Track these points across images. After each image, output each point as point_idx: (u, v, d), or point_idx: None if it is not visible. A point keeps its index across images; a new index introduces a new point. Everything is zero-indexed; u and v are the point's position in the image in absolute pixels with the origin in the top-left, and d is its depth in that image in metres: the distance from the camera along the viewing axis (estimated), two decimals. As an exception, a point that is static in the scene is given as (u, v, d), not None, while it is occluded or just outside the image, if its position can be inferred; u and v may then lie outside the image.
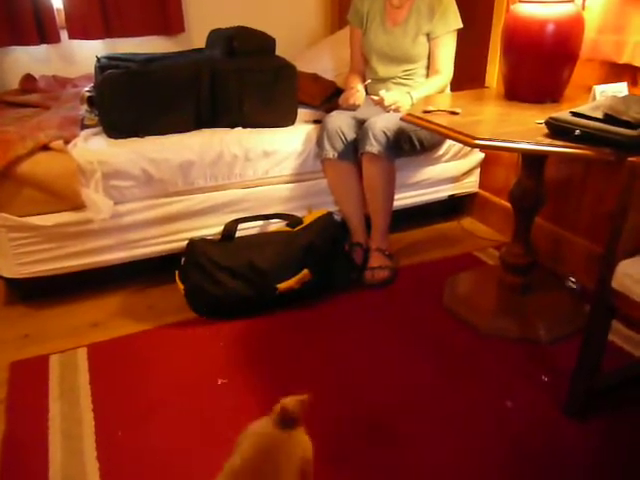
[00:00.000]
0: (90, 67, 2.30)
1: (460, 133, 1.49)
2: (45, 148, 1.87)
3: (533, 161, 1.75)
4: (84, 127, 2.10)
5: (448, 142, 2.37)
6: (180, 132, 2.09)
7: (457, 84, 2.28)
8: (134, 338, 1.81)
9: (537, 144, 1.40)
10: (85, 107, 2.14)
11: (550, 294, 1.96)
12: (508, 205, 1.91)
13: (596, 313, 1.37)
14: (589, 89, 1.67)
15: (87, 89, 2.19)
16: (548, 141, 1.41)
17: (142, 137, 2.03)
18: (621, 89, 1.66)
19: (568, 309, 1.90)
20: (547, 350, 1.72)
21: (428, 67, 2.22)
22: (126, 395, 1.57)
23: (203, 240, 1.99)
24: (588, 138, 1.37)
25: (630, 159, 1.23)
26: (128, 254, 2.02)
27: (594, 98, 1.62)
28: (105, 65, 2.15)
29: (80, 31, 2.57)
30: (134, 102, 2.02)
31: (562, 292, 2.00)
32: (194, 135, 2.10)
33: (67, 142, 1.93)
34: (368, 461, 1.35)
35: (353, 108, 2.19)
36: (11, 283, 2.01)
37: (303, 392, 1.06)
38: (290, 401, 1.03)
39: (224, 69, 2.12)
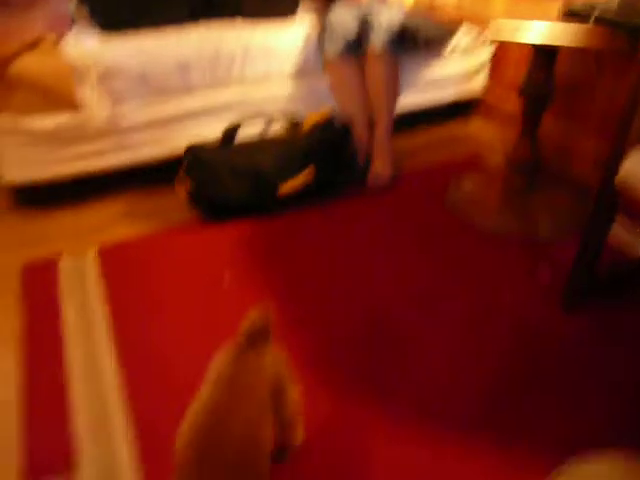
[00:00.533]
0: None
1: (472, 14, 1.41)
2: (34, 46, 1.79)
3: (545, 51, 1.67)
4: (73, 23, 2.00)
5: (455, 39, 2.27)
6: (175, 24, 1.99)
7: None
8: (139, 241, 1.83)
9: (552, 25, 1.33)
10: (74, 1, 2.03)
11: (554, 194, 1.96)
12: (516, 105, 1.86)
13: (599, 206, 1.37)
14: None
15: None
16: (562, 26, 1.34)
17: (136, 31, 1.94)
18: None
19: (571, 208, 1.90)
20: (548, 248, 1.74)
21: None
22: (134, 293, 1.61)
23: (204, 143, 1.96)
24: (604, 23, 1.31)
25: (647, 45, 1.17)
26: (128, 158, 1.99)
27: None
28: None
29: None
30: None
31: (566, 192, 1.99)
32: (190, 31, 2.00)
33: (57, 40, 1.84)
34: (369, 362, 1.38)
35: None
36: (14, 188, 2.00)
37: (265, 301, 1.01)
38: (255, 316, 0.96)
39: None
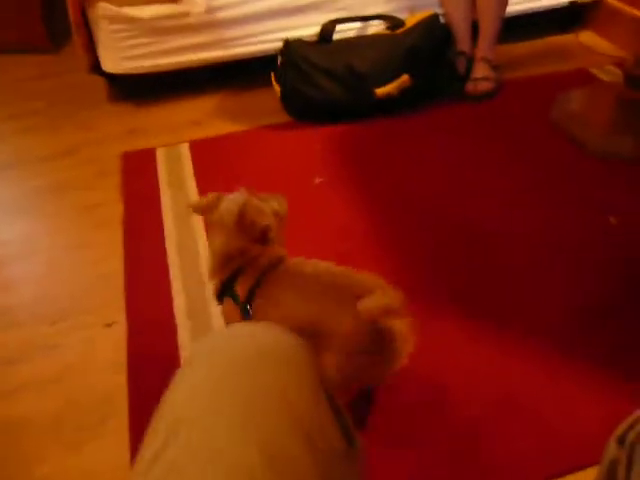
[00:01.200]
0: None
1: None
2: None
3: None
4: None
5: None
6: None
7: None
8: (233, 136, 1.85)
9: None
10: None
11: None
12: (639, 15, 1.67)
13: None
14: None
15: None
16: None
17: None
18: None
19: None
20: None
21: None
22: (225, 185, 1.64)
23: (300, 40, 1.90)
24: None
25: None
26: (225, 53, 1.98)
27: None
28: None
29: None
30: None
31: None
32: None
33: None
34: (464, 276, 1.34)
35: None
36: (114, 79, 2.06)
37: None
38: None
39: None
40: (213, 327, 1.22)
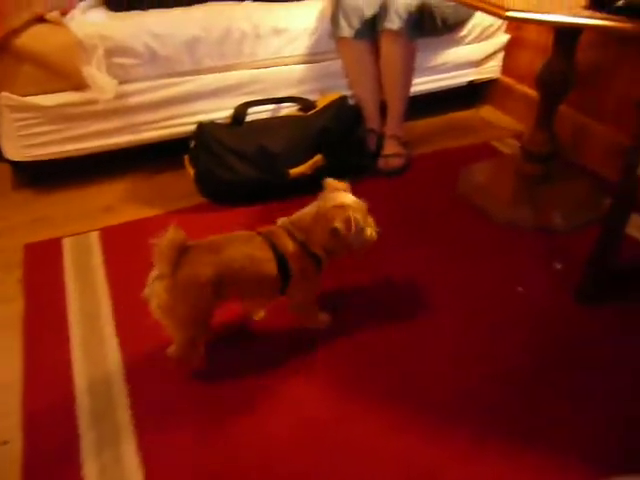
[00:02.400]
0: None
1: (489, 3, 1.36)
2: (42, 20, 1.75)
3: (566, 39, 1.62)
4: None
5: (471, 22, 2.21)
6: (184, 5, 1.95)
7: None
8: (145, 222, 1.80)
9: (576, 16, 1.28)
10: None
11: (568, 184, 1.91)
12: (531, 92, 1.81)
13: (619, 200, 1.33)
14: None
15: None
16: (588, 13, 1.29)
17: (145, 10, 1.89)
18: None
19: (585, 199, 1.86)
20: (562, 239, 1.71)
21: None
22: (139, 275, 1.58)
23: (213, 123, 1.92)
24: (631, 9, 1.26)
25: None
26: (136, 137, 1.96)
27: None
28: None
29: None
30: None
31: (581, 182, 1.95)
32: (199, 8, 1.96)
33: (64, 14, 1.80)
34: (391, 350, 1.37)
35: None
36: (18, 167, 1.97)
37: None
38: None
39: None
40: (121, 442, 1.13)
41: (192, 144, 1.90)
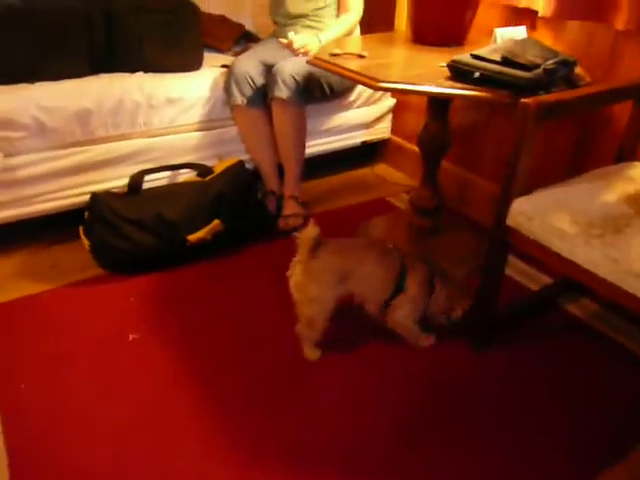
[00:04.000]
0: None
1: (364, 76, 1.48)
2: None
3: (438, 105, 1.78)
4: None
5: (359, 88, 2.37)
6: (75, 77, 1.95)
7: (367, 28, 2.26)
8: (38, 298, 1.72)
9: (438, 86, 1.42)
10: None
11: (455, 235, 2.05)
12: (419, 150, 1.95)
13: (493, 248, 1.45)
14: (492, 32, 1.70)
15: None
16: (449, 84, 1.43)
17: (32, 83, 1.87)
18: (520, 32, 1.71)
19: (470, 249, 2.00)
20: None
21: (339, 7, 2.17)
22: (33, 353, 1.51)
23: (107, 193, 1.90)
24: (487, 80, 1.41)
25: (523, 100, 1.27)
26: (25, 211, 1.89)
27: (495, 41, 1.66)
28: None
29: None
30: (19, 43, 1.85)
31: (465, 233, 2.09)
32: (90, 81, 1.96)
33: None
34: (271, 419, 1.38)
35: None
36: None
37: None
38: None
39: (118, 8, 1.98)
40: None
41: (86, 215, 1.86)
